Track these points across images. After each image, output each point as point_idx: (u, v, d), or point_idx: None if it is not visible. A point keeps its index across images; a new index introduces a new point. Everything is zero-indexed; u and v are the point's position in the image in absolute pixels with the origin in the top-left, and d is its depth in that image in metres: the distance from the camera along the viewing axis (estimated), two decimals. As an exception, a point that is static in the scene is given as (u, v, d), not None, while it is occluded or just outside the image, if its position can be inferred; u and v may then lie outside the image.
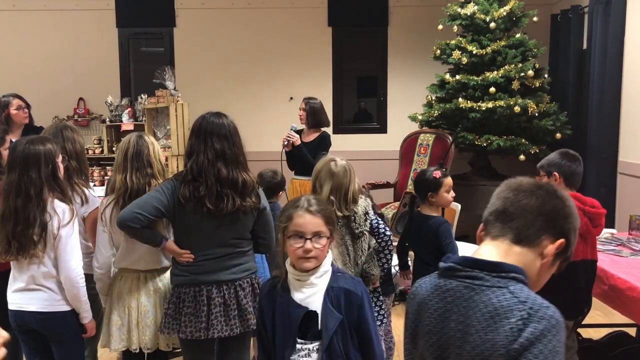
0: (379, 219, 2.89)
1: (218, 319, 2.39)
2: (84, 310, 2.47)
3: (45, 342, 2.54)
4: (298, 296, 1.86)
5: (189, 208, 2.36)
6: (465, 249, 4.88)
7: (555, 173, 2.83)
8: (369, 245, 2.82)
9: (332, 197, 2.66)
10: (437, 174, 3.04)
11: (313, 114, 4.71)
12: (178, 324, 2.42)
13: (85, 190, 2.71)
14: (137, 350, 2.62)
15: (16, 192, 2.35)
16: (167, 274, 2.64)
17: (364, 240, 2.77)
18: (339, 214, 2.64)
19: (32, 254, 2.37)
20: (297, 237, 1.83)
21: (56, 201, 2.40)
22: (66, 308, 2.46)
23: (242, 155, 2.44)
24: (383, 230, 2.87)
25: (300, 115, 4.74)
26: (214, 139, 2.38)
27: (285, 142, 4.61)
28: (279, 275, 1.91)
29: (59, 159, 2.48)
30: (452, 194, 3.10)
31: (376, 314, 2.88)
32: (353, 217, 2.72)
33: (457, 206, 4.62)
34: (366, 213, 2.76)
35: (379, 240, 2.88)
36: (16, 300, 2.45)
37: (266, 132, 6.32)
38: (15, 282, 2.47)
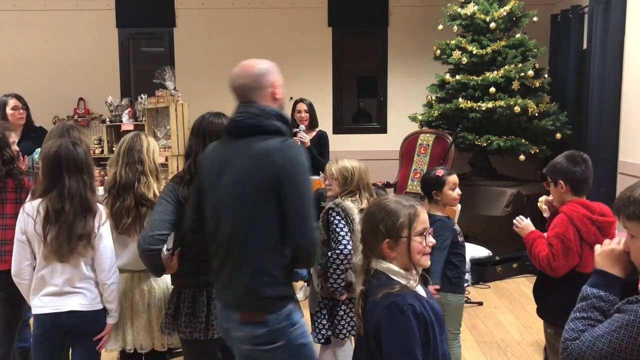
0: (340, 224, 2.74)
1: (218, 320, 2.38)
2: (115, 310, 2.48)
3: (63, 347, 2.53)
4: (425, 295, 1.76)
5: (187, 208, 2.36)
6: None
7: (561, 181, 2.58)
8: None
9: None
10: (440, 172, 3.06)
11: (313, 113, 4.71)
12: (178, 324, 2.42)
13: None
14: (132, 351, 2.62)
15: (69, 192, 2.35)
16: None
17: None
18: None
19: (78, 253, 2.37)
20: (421, 234, 1.74)
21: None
22: (102, 306, 2.48)
23: None
24: (340, 241, 2.71)
25: (303, 117, 4.69)
26: (212, 139, 2.35)
27: (298, 143, 4.55)
28: (404, 286, 1.69)
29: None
30: (457, 191, 3.08)
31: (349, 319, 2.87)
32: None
33: (457, 206, 4.62)
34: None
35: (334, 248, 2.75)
36: (50, 303, 2.41)
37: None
38: (45, 286, 2.43)
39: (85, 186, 2.38)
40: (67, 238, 2.32)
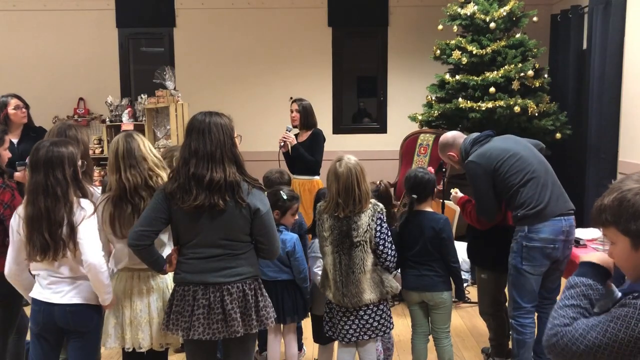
0: (386, 236, 2.79)
1: (200, 321, 2.37)
2: (105, 292, 2.47)
3: (60, 345, 2.54)
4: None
5: (174, 206, 2.36)
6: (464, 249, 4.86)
7: None
8: (367, 259, 2.76)
9: (339, 200, 2.73)
10: (432, 169, 3.21)
11: (306, 115, 4.70)
12: (168, 320, 2.45)
13: (90, 188, 2.72)
14: (130, 349, 2.62)
15: (44, 192, 2.37)
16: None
17: (362, 251, 2.73)
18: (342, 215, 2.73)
19: (62, 254, 2.38)
20: None
21: (81, 199, 2.45)
22: (91, 303, 2.48)
23: (220, 152, 2.37)
24: (385, 251, 2.78)
25: (293, 117, 4.70)
26: (192, 137, 2.38)
27: (282, 144, 4.60)
28: None
29: (79, 162, 2.52)
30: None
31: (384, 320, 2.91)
32: (355, 224, 2.73)
33: (457, 206, 4.61)
34: (369, 223, 2.73)
35: (381, 260, 2.81)
36: (42, 294, 2.47)
37: (265, 132, 6.32)
38: (39, 279, 2.49)
39: (54, 189, 2.37)
40: (33, 241, 2.37)
